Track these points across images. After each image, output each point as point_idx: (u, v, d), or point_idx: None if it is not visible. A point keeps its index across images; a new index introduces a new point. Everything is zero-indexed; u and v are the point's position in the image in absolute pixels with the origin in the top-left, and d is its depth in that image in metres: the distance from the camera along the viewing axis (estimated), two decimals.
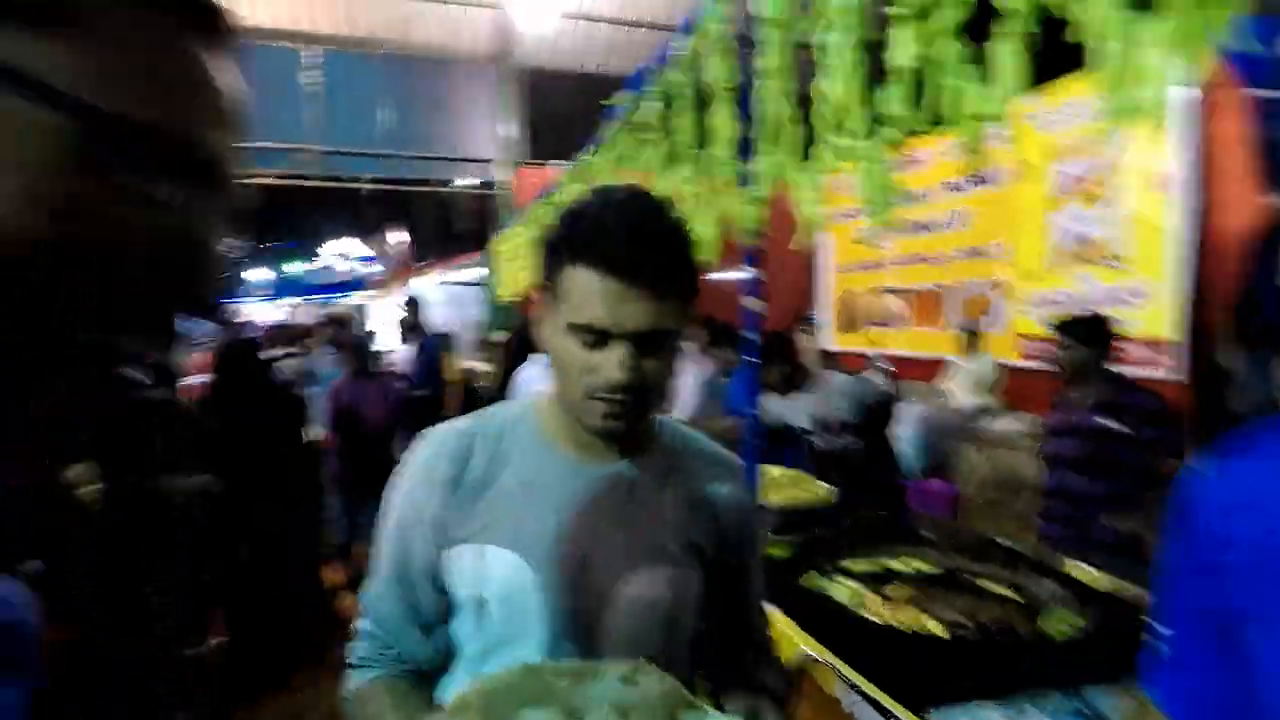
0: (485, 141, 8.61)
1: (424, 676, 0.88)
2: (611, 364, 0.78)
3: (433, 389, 4.99)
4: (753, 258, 2.00)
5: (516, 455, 0.88)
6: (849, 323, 7.23)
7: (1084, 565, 1.96)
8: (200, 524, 2.14)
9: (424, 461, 0.88)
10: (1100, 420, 2.63)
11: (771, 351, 3.27)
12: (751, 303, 1.99)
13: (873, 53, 1.50)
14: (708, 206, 2.24)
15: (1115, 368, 2.79)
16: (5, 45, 0.31)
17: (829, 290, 7.47)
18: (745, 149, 1.99)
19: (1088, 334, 2.72)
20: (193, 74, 0.36)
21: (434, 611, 0.87)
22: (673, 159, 2.61)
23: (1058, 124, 4.93)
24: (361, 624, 0.90)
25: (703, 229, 2.26)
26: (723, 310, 3.21)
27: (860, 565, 1.90)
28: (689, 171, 2.41)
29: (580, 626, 0.82)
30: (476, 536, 0.83)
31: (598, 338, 0.78)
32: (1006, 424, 4.74)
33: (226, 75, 0.37)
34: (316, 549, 3.79)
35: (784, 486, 2.48)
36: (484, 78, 8.57)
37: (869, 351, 5.98)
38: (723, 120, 2.13)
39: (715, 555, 0.90)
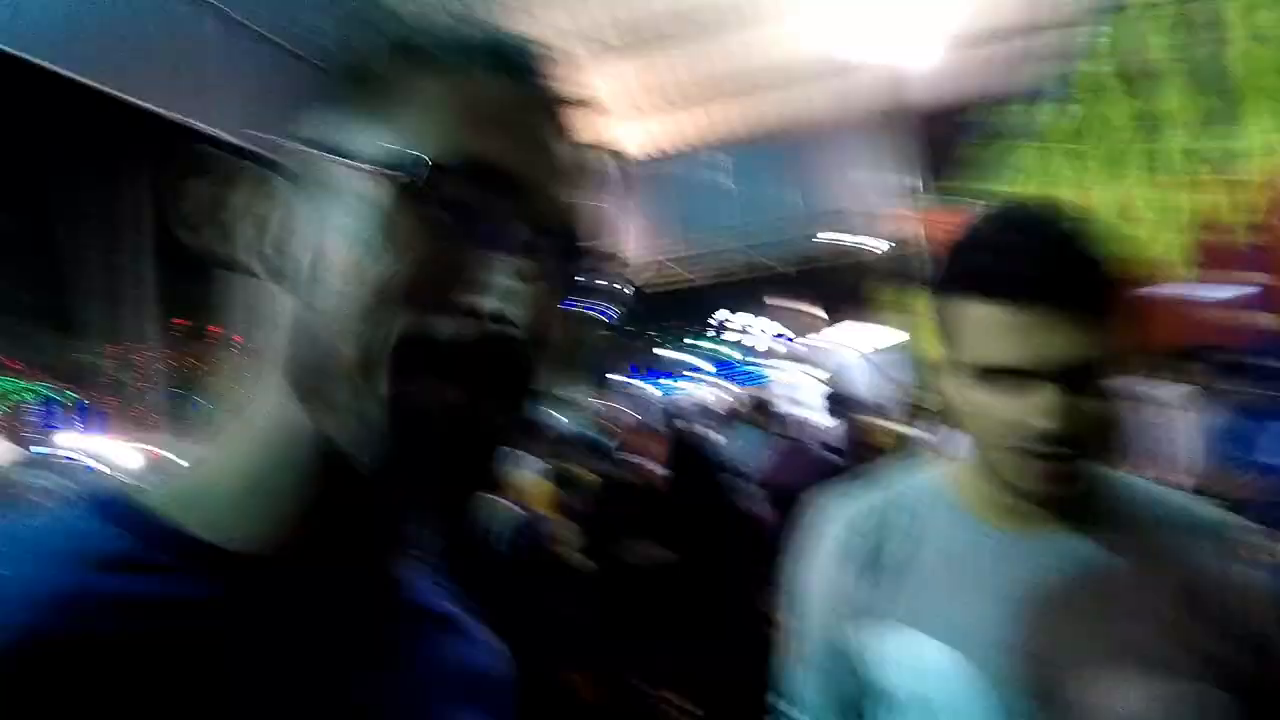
0: (880, 193, 8.51)
1: None
2: (1038, 410, 0.65)
3: (858, 460, 4.91)
4: (1255, 259, 1.52)
5: (935, 528, 0.77)
6: None
7: None
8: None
9: (834, 537, 0.82)
10: None
11: None
12: (1261, 318, 1.50)
13: None
14: (1172, 209, 1.80)
15: None
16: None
17: None
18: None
19: None
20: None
21: (856, 698, 0.81)
22: (1113, 163, 2.18)
23: None
24: (785, 710, 0.86)
25: (1171, 236, 1.81)
26: (1219, 334, 2.47)
27: None
28: (1138, 172, 1.98)
29: None
30: (905, 622, 0.75)
31: (1014, 380, 0.67)
32: None
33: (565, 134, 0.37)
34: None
35: None
36: (871, 134, 8.58)
37: None
38: (1177, 99, 1.71)
39: (1247, 666, 0.67)
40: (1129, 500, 0.75)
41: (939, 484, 0.81)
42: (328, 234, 0.33)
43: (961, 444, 0.76)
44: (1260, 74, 1.40)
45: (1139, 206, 1.90)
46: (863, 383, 7.67)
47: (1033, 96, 2.51)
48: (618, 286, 0.38)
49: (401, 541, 0.40)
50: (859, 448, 5.12)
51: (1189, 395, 3.82)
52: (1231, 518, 0.76)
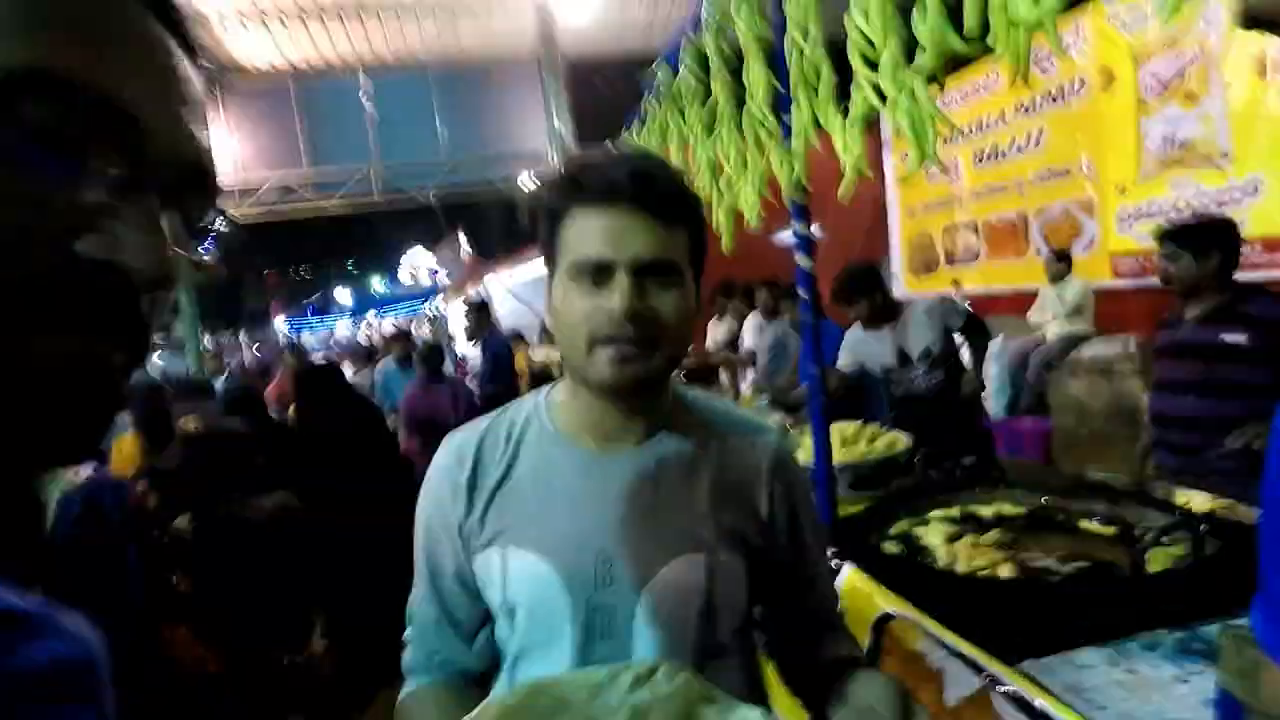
0: (537, 137, 8.70)
1: (473, 681, 0.88)
2: (613, 298, 0.74)
3: (504, 386, 5.12)
4: (800, 214, 1.94)
5: (530, 450, 0.84)
6: (924, 266, 6.92)
7: (1198, 494, 1.82)
8: (289, 539, 2.30)
9: (440, 465, 0.87)
10: (1218, 334, 2.41)
11: (858, 284, 3.17)
12: (803, 260, 1.94)
13: None
14: (751, 168, 2.20)
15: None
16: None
17: (898, 235, 7.16)
18: (785, 104, 1.92)
19: (1202, 240, 2.47)
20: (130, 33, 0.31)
21: (471, 617, 0.86)
22: (712, 125, 2.56)
23: (1140, 23, 4.52)
24: (407, 632, 0.91)
25: (748, 191, 2.21)
26: (788, 273, 3.14)
27: (943, 514, 1.83)
28: (728, 134, 2.36)
29: (612, 626, 0.78)
30: (498, 539, 0.81)
31: (597, 274, 0.76)
32: (1105, 348, 4.44)
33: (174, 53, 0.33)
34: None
35: (856, 441, 2.41)
36: (529, 76, 8.66)
37: (949, 292, 5.71)
38: (756, 76, 2.07)
39: (761, 536, 0.85)
40: (698, 415, 0.88)
41: (540, 410, 0.88)
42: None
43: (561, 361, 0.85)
44: (809, 65, 1.75)
45: (727, 165, 2.27)
46: (512, 311, 7.94)
47: (658, 60, 2.78)
48: (227, 222, 0.34)
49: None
50: (501, 374, 5.30)
51: (760, 320, 4.85)
52: (770, 423, 0.94)
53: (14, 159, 0.26)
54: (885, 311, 3.21)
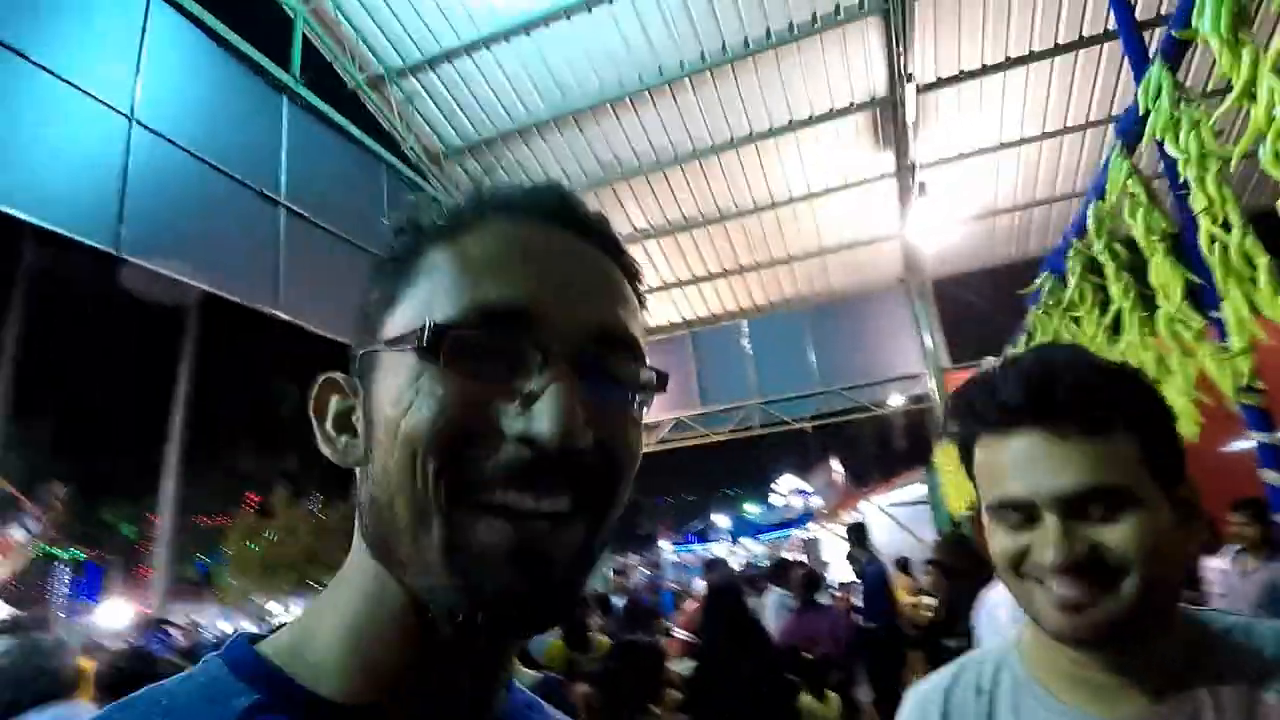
0: (908, 357, 8.72)
1: None
2: (1045, 551, 0.60)
3: (883, 620, 4.68)
4: (1259, 420, 1.58)
5: (1004, 704, 0.70)
6: None
7: None
8: None
9: None
10: None
11: None
12: (1272, 476, 1.53)
13: None
14: (1179, 371, 1.89)
15: None
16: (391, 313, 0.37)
17: None
18: (1209, 299, 1.68)
19: None
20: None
21: None
22: (1116, 330, 2.31)
23: None
24: None
25: (1175, 398, 1.89)
26: (1243, 492, 2.46)
27: None
28: (1139, 339, 2.10)
29: None
30: None
31: (1022, 516, 0.62)
32: None
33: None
34: None
35: None
36: (896, 300, 8.96)
37: None
38: (1167, 275, 1.86)
39: None
40: (1233, 652, 0.63)
41: (1007, 656, 0.73)
42: (375, 409, 0.36)
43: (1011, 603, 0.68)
44: (1235, 252, 1.54)
45: (1147, 370, 2.00)
46: (887, 539, 7.46)
47: (1037, 267, 2.70)
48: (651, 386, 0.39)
49: (496, 681, 0.40)
50: (877, 607, 4.88)
51: (1236, 561, 3.60)
52: None
53: (468, 374, 0.34)
54: None
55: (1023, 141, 6.40)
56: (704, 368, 9.33)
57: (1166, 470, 0.61)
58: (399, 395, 0.35)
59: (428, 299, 0.36)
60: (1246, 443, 1.62)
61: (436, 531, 0.33)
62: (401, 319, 0.37)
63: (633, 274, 0.41)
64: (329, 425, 0.40)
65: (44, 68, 3.19)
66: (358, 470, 0.38)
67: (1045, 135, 6.29)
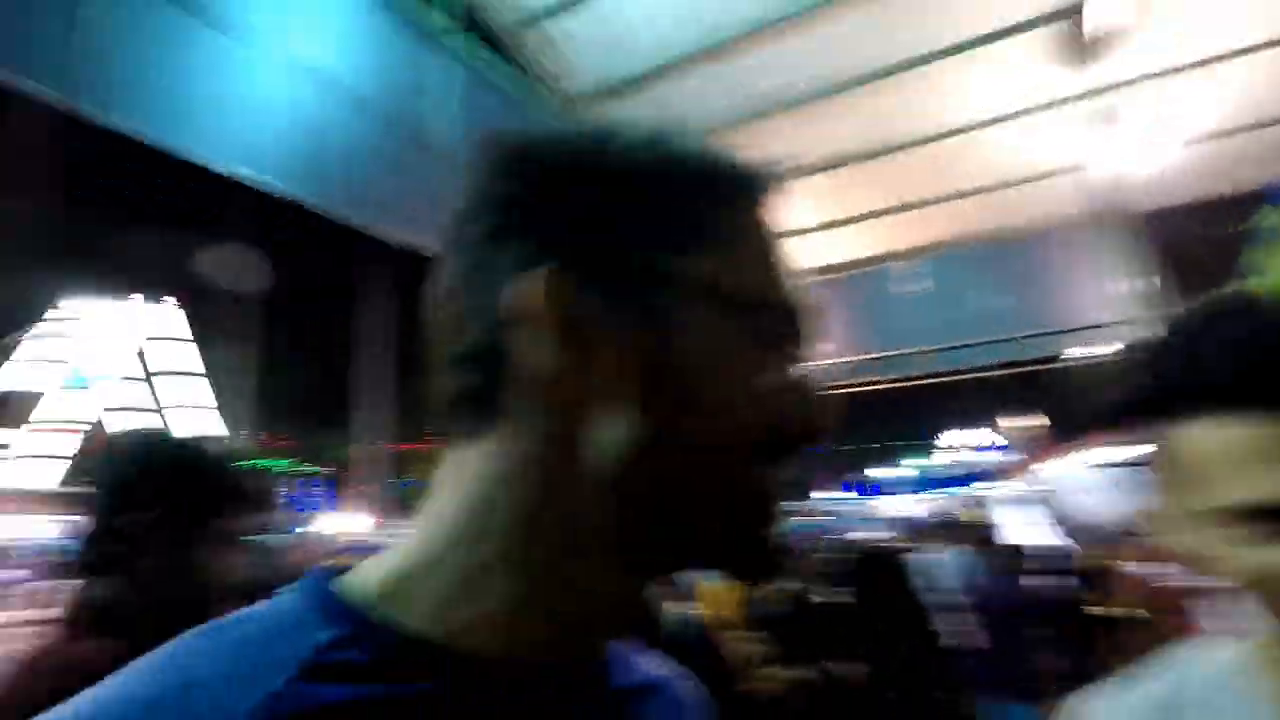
0: (1113, 305, 7.70)
1: None
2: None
3: (1076, 585, 4.28)
4: None
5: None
6: None
7: None
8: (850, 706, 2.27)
9: None
10: None
11: None
12: None
13: None
14: None
15: None
16: (698, 266, 0.36)
17: None
18: None
19: None
20: (779, 251, 0.40)
21: None
22: None
23: None
24: None
25: None
26: None
27: None
28: None
29: None
30: None
31: (1256, 521, 0.52)
32: None
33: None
34: None
35: None
36: (1098, 239, 7.89)
37: None
38: None
39: None
40: None
41: (1234, 668, 0.64)
42: (694, 360, 0.35)
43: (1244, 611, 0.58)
44: None
45: None
46: (1093, 501, 6.72)
47: (1267, 195, 2.23)
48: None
49: (632, 627, 0.40)
50: (1089, 575, 4.44)
51: None
52: None
53: (775, 349, 0.38)
54: None
55: (1237, 54, 5.20)
56: (884, 310, 8.87)
57: None
58: (725, 349, 0.36)
59: (750, 265, 0.38)
60: None
61: (740, 482, 0.36)
62: (722, 274, 0.36)
63: None
64: (555, 331, 0.34)
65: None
66: (559, 388, 0.34)
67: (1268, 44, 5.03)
